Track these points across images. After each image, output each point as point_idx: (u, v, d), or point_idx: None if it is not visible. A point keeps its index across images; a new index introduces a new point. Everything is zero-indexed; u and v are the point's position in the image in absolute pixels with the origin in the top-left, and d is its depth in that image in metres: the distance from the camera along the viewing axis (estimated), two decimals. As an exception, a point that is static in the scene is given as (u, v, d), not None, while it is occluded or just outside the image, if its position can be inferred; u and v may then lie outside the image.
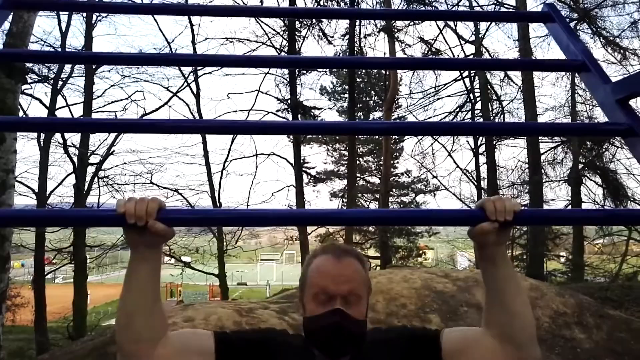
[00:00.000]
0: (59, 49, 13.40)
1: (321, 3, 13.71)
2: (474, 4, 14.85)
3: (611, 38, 13.92)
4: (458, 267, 21.01)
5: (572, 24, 13.98)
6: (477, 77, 15.34)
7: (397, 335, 1.29)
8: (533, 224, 1.51)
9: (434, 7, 14.25)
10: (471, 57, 15.37)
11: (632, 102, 1.40)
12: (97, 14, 12.80)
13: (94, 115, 14.05)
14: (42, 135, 12.94)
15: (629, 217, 1.52)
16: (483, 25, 14.93)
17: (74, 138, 13.59)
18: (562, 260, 16.52)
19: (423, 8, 14.03)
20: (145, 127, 1.30)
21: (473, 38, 15.28)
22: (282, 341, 1.27)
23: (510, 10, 13.79)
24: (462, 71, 14.06)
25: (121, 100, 15.21)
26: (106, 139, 14.21)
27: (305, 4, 14.30)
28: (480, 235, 1.09)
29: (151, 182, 15.72)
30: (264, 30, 14.93)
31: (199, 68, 14.26)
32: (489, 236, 1.09)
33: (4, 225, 3.09)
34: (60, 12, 12.34)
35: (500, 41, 22.41)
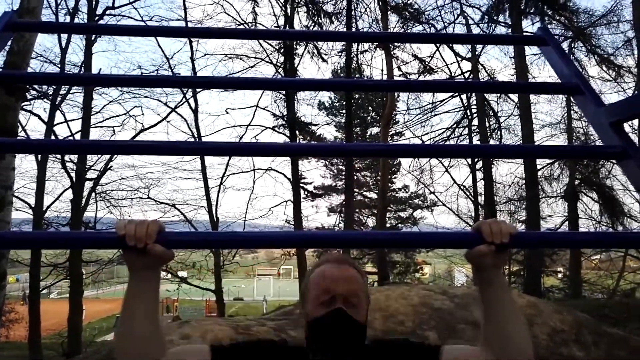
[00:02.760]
0: (59, 65, 13.48)
1: (317, 20, 13.87)
2: (470, 21, 15.06)
3: (606, 56, 14.08)
4: (456, 283, 20.95)
5: (566, 42, 14.16)
6: (474, 94, 15.46)
7: (397, 346, 1.30)
8: (529, 246, 1.52)
9: (431, 24, 14.46)
10: (467, 73, 15.54)
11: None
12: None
13: (92, 131, 14.10)
14: (40, 150, 12.92)
15: (624, 240, 1.54)
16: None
17: (72, 153, 13.60)
18: (560, 276, 16.49)
19: (419, 28, 14.23)
20: (144, 149, 1.32)
21: (469, 55, 15.42)
22: (281, 350, 1.28)
23: (506, 32, 13.99)
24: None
25: (120, 115, 15.27)
26: (104, 155, 14.22)
27: (300, 21, 14.45)
28: (477, 258, 1.10)
29: (148, 197, 15.70)
30: (262, 47, 15.07)
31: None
32: (486, 259, 1.10)
33: (2, 247, 3.08)
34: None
35: (497, 58, 22.63)
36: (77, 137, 13.68)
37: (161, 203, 15.81)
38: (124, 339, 1.12)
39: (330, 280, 1.24)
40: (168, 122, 15.82)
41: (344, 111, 18.76)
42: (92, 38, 13.48)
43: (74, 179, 13.41)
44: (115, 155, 14.00)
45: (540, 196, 13.90)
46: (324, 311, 1.20)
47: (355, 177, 20.47)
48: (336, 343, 1.19)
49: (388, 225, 20.14)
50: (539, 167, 13.68)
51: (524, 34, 12.09)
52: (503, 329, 1.15)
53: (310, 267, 1.35)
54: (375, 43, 13.35)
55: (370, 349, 1.25)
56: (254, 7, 14.22)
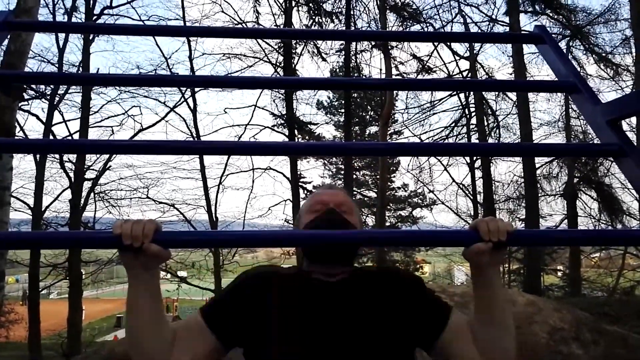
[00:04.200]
0: (57, 65, 13.46)
1: (316, 20, 13.85)
2: (468, 20, 15.05)
3: (604, 54, 14.09)
4: (455, 281, 20.97)
5: (564, 41, 14.16)
6: (472, 92, 15.46)
7: (409, 281, 1.31)
8: (526, 244, 1.53)
9: (429, 23, 14.46)
10: (466, 72, 15.53)
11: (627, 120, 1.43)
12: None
13: (90, 131, 14.07)
14: (39, 151, 12.91)
15: (622, 237, 1.54)
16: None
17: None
18: (559, 274, 16.51)
19: (417, 27, 14.23)
20: (142, 148, 1.32)
21: (467, 54, 15.42)
22: (275, 274, 1.29)
23: (504, 30, 13.99)
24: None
25: (118, 115, 15.26)
26: (103, 154, 14.20)
27: (300, 20, 14.44)
28: (474, 256, 1.10)
29: (147, 197, 15.69)
30: (261, 47, 15.05)
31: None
32: (483, 257, 1.10)
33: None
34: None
35: (495, 57, 22.65)
36: (76, 137, 13.67)
37: (160, 203, 15.81)
38: (133, 338, 1.14)
39: (323, 194, 1.31)
40: (167, 121, 15.84)
41: (342, 110, 18.78)
42: (90, 37, 13.46)
43: (73, 179, 13.40)
44: (114, 155, 13.99)
45: (540, 194, 13.92)
46: (318, 214, 1.26)
47: (354, 176, 20.46)
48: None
49: (387, 224, 20.14)
50: (537, 165, 13.70)
51: (522, 32, 12.10)
52: (495, 327, 1.17)
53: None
54: (374, 42, 13.35)
55: (359, 273, 1.27)
56: (255, 6, 14.19)
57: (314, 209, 1.28)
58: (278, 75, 14.21)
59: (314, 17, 13.91)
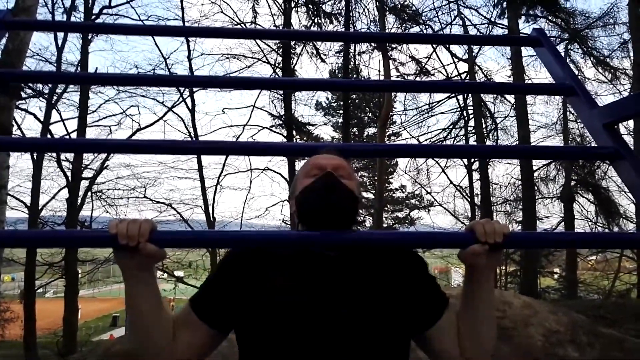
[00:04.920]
0: (55, 64, 13.43)
1: (315, 21, 13.85)
2: (467, 22, 15.08)
3: (602, 58, 14.13)
4: (452, 283, 20.98)
5: (563, 44, 14.21)
6: (470, 95, 15.48)
7: (415, 261, 1.29)
8: (523, 246, 1.54)
9: (428, 25, 14.47)
10: (464, 74, 15.56)
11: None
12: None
13: (88, 130, 14.04)
14: (36, 149, 12.87)
15: (618, 240, 1.54)
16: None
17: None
18: (556, 276, 16.55)
19: (416, 29, 14.25)
20: (140, 148, 1.32)
21: (466, 56, 15.44)
22: (265, 250, 1.23)
23: (502, 33, 14.03)
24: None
25: (116, 114, 15.22)
26: (100, 154, 14.16)
27: (300, 20, 14.44)
28: (470, 258, 1.11)
29: (145, 197, 15.66)
30: (260, 47, 15.05)
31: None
32: (479, 259, 1.11)
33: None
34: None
35: (493, 59, 22.71)
36: (73, 136, 13.64)
37: (157, 202, 15.78)
38: (137, 337, 1.15)
39: (320, 159, 1.26)
40: (165, 121, 15.80)
41: (341, 111, 18.78)
42: (89, 37, 13.44)
43: (70, 178, 13.36)
44: (111, 155, 13.96)
45: (537, 197, 13.95)
46: (314, 179, 1.21)
47: (352, 178, 20.44)
48: (327, 207, 1.15)
49: (385, 225, 20.15)
50: (535, 168, 13.73)
51: (520, 35, 12.13)
52: (479, 330, 1.19)
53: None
54: (373, 44, 13.37)
55: (374, 246, 1.24)
56: (253, 6, 14.19)
57: (311, 173, 1.22)
58: (277, 76, 14.21)
59: (313, 18, 13.91)
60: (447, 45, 13.81)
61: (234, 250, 1.27)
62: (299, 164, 17.65)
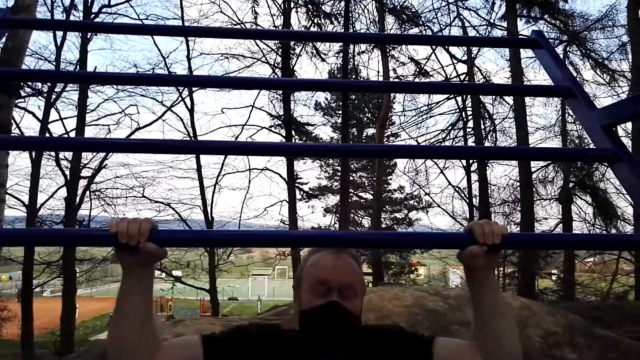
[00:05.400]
0: (54, 63, 13.41)
1: (315, 21, 13.87)
2: (466, 24, 15.11)
3: (600, 60, 14.17)
4: (450, 284, 20.99)
5: (561, 46, 14.24)
6: (469, 96, 15.51)
7: (392, 333, 1.29)
8: (521, 248, 1.54)
9: (427, 26, 14.50)
10: (463, 75, 15.58)
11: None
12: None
13: (87, 129, 14.03)
14: (35, 148, 12.85)
15: (616, 242, 1.55)
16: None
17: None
18: (554, 278, 16.56)
19: (416, 30, 14.27)
20: (139, 147, 1.32)
21: (465, 57, 15.47)
22: (275, 335, 1.27)
23: (502, 35, 14.06)
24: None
25: (115, 114, 15.20)
26: (98, 153, 14.13)
27: (299, 21, 14.45)
28: (469, 258, 1.11)
29: (143, 196, 15.65)
30: (259, 47, 15.05)
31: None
32: (478, 259, 1.11)
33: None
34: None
35: (492, 60, 22.76)
36: (72, 135, 13.62)
37: (156, 202, 15.77)
38: (115, 336, 1.12)
39: (326, 271, 1.22)
40: (164, 121, 15.79)
41: (340, 112, 18.78)
42: (88, 36, 13.42)
43: (69, 177, 13.34)
44: (110, 154, 13.94)
45: (535, 198, 13.97)
46: (319, 302, 1.19)
47: (350, 178, 20.47)
48: (330, 335, 1.18)
49: (383, 226, 20.16)
50: (533, 169, 13.76)
51: (519, 37, 12.16)
52: (493, 329, 1.15)
53: (306, 254, 1.34)
54: (373, 44, 13.38)
55: (364, 338, 1.24)
56: (253, 6, 14.19)
57: (316, 289, 1.22)
58: (276, 76, 14.22)
59: (312, 19, 13.93)
60: (446, 47, 13.83)
61: (252, 327, 1.30)
62: (297, 165, 17.68)
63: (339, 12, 13.97)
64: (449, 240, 1.20)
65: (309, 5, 13.99)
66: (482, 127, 15.67)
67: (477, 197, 15.40)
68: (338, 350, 1.19)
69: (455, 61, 15.68)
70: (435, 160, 15.60)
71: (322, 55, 14.42)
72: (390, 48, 14.02)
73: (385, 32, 13.17)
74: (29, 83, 11.06)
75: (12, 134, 6.09)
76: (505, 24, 13.76)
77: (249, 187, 16.46)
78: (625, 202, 14.01)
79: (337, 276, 1.21)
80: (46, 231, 1.37)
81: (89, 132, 14.45)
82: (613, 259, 14.67)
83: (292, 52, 14.51)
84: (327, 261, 1.25)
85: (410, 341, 1.26)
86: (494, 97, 14.92)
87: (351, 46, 13.54)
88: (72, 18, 13.50)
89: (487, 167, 14.73)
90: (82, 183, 13.95)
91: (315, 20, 13.83)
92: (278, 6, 14.52)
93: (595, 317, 7.63)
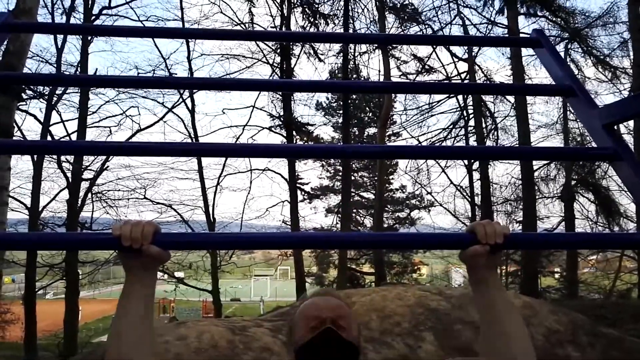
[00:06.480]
0: (55, 65, 13.43)
1: (311, 21, 13.87)
2: (467, 22, 15.09)
3: (602, 57, 14.13)
4: (453, 283, 20.99)
5: (563, 44, 14.20)
6: (470, 95, 15.48)
7: None
8: (523, 247, 1.54)
9: (428, 25, 14.49)
10: (464, 73, 15.56)
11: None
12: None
13: (88, 131, 14.05)
14: (36, 150, 12.86)
15: (619, 241, 1.55)
16: (476, 44, 15.11)
17: (68, 153, 13.52)
18: (557, 276, 16.54)
19: (416, 29, 14.27)
20: (140, 150, 1.32)
21: (466, 56, 15.45)
22: None
23: (502, 32, 14.04)
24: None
25: (116, 115, 15.23)
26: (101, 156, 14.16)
27: (297, 22, 14.46)
28: (471, 258, 1.11)
29: (145, 198, 15.66)
30: (259, 47, 15.06)
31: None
32: (480, 259, 1.11)
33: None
34: (57, 28, 12.37)
35: (493, 59, 22.74)
36: (74, 137, 13.64)
37: (157, 203, 15.79)
38: (115, 338, 1.11)
39: (318, 308, 1.26)
40: (165, 122, 15.82)
41: (341, 111, 18.78)
42: (89, 38, 13.44)
43: (70, 179, 13.37)
44: (111, 156, 13.96)
45: (537, 197, 13.95)
46: (314, 333, 1.21)
47: (352, 178, 20.47)
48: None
49: (385, 225, 20.16)
50: (535, 167, 13.74)
51: (520, 35, 12.14)
52: (501, 328, 1.13)
53: (298, 305, 1.36)
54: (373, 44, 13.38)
55: None
56: (250, 8, 14.23)
57: (310, 324, 1.24)
58: (276, 78, 14.23)
59: (310, 19, 13.94)
60: (447, 46, 13.82)
61: None
62: (298, 165, 17.68)
63: (338, 10, 13.99)
64: (452, 241, 1.20)
65: (305, 6, 14.00)
66: (484, 125, 15.65)
67: (479, 196, 15.38)
68: None
69: (455, 60, 15.67)
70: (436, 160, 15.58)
71: (320, 56, 14.43)
72: (391, 47, 14.01)
73: (386, 32, 13.17)
74: (31, 86, 11.07)
75: (14, 137, 6.11)
76: (505, 22, 13.74)
77: (250, 187, 16.48)
78: (628, 199, 13.99)
79: (328, 309, 1.25)
80: (50, 235, 1.37)
81: (90, 134, 14.48)
82: (616, 257, 14.66)
83: (292, 52, 14.52)
84: (317, 301, 1.29)
85: None
86: (495, 95, 14.90)
87: (351, 46, 13.55)
88: (72, 20, 13.53)
89: (489, 166, 14.71)
90: (84, 185, 13.99)
91: (312, 20, 13.84)
92: (277, 6, 14.54)
93: (598, 315, 7.62)
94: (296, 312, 1.33)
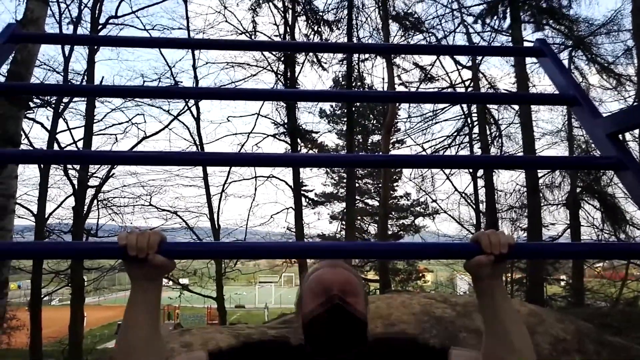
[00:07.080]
0: (62, 74, 13.54)
1: (315, 29, 13.94)
2: (470, 30, 15.11)
3: (606, 65, 14.11)
4: (458, 290, 20.89)
5: (567, 51, 14.19)
6: (474, 104, 15.47)
7: (403, 343, 1.30)
8: (528, 257, 1.53)
9: (431, 33, 14.53)
10: (468, 81, 15.57)
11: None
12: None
13: (94, 138, 14.13)
14: (43, 158, 12.93)
15: (625, 251, 1.55)
16: (480, 51, 15.11)
17: (74, 160, 13.58)
18: (562, 284, 16.42)
19: (420, 37, 14.30)
20: (145, 159, 1.34)
21: (470, 64, 15.46)
22: (281, 349, 1.27)
23: (506, 41, 14.05)
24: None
25: (122, 123, 15.32)
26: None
27: (300, 30, 14.53)
28: (475, 268, 1.11)
29: (150, 205, 15.72)
30: (264, 56, 15.14)
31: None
32: (485, 269, 1.11)
33: (3, 258, 3.08)
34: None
35: (497, 66, 22.74)
36: (80, 144, 13.72)
37: (163, 210, 15.84)
38: (122, 348, 1.12)
39: (327, 281, 1.25)
40: (170, 129, 15.91)
41: (345, 119, 18.80)
42: (95, 47, 13.55)
43: (76, 187, 13.43)
44: (117, 163, 14.01)
45: (542, 204, 13.88)
46: (322, 309, 1.21)
47: (356, 185, 20.47)
48: (336, 339, 1.19)
49: (390, 232, 20.11)
50: (540, 175, 13.68)
51: (524, 43, 12.15)
52: (505, 340, 1.13)
53: (305, 274, 1.36)
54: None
55: (374, 346, 1.24)
56: (253, 17, 14.33)
57: (318, 299, 1.23)
58: (281, 86, 14.29)
59: (313, 27, 14.01)
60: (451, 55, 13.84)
61: (257, 343, 1.33)
62: (303, 172, 17.67)
63: (342, 18, 14.04)
64: (456, 251, 1.20)
65: (308, 14, 14.08)
66: (488, 132, 15.63)
67: (484, 203, 15.33)
68: (345, 352, 1.19)
69: (459, 67, 15.69)
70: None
71: (323, 65, 14.50)
72: (395, 56, 14.04)
73: (390, 42, 13.21)
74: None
75: (21, 145, 6.16)
76: (509, 30, 13.74)
77: (255, 194, 16.52)
78: (634, 206, 13.86)
79: (337, 283, 1.23)
80: (56, 244, 1.38)
81: (97, 142, 14.57)
82: (622, 265, 14.54)
83: (296, 60, 14.59)
84: (326, 273, 1.27)
85: (422, 352, 1.25)
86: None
87: (355, 55, 13.60)
88: (79, 29, 13.65)
89: (494, 173, 14.67)
90: (90, 192, 14.05)
91: (316, 29, 13.91)
92: (281, 15, 14.63)
93: (604, 323, 7.55)
94: (306, 278, 1.33)
